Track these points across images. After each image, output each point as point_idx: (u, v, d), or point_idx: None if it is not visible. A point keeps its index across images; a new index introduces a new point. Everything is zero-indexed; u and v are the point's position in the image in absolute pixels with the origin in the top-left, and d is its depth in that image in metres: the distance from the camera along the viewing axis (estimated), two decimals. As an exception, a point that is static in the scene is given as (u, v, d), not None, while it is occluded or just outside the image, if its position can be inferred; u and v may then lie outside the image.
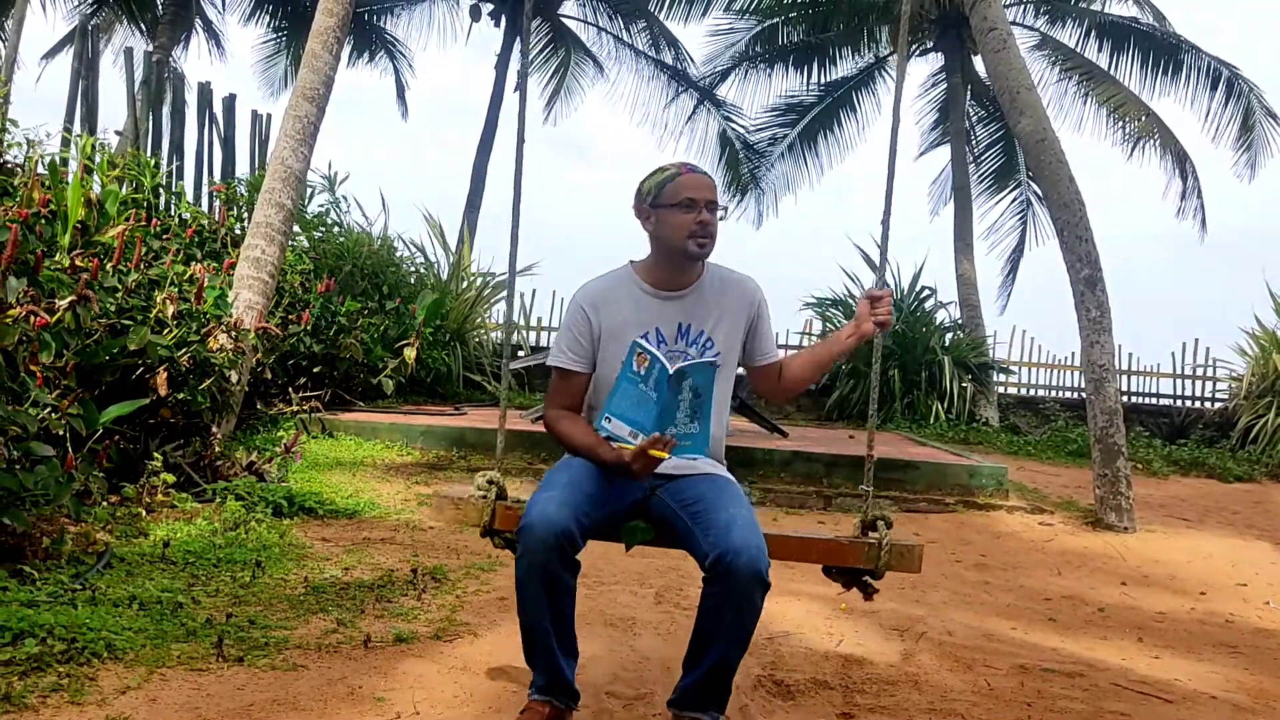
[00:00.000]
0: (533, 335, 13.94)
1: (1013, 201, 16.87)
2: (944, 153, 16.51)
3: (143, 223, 6.49)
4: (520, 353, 12.45)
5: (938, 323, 13.01)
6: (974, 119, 16.75)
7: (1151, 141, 14.52)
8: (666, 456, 2.39)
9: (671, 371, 2.45)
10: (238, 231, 8.14)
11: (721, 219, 2.65)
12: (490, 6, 17.14)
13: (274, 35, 16.96)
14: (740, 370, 2.78)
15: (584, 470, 2.51)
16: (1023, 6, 15.78)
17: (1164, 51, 14.57)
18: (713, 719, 2.46)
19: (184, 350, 5.15)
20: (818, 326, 13.83)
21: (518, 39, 17.01)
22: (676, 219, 2.58)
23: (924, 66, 16.80)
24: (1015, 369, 14.81)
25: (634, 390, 2.47)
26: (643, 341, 2.50)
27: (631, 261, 2.75)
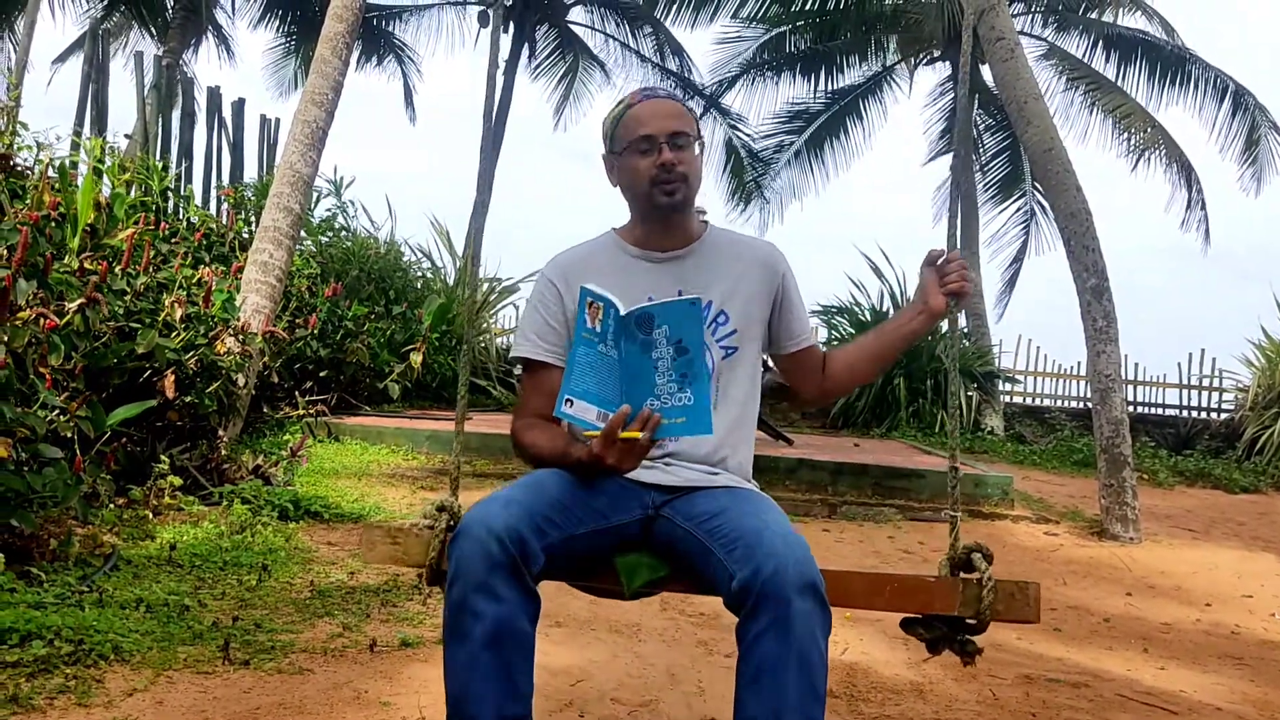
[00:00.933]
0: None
1: (1017, 210, 16.88)
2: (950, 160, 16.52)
3: (151, 226, 6.51)
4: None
5: (943, 331, 12.98)
6: (981, 127, 16.77)
7: (1157, 153, 14.52)
8: (639, 438, 1.76)
9: (623, 312, 1.77)
10: (246, 235, 8.18)
11: (696, 149, 2.08)
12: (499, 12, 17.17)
13: (284, 40, 17.03)
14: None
15: (554, 476, 1.89)
16: (1031, 16, 15.80)
17: (1171, 63, 14.60)
18: None
19: (191, 353, 5.16)
20: (823, 335, 13.84)
21: (525, 44, 17.06)
22: (635, 165, 2.04)
23: (932, 75, 16.84)
24: (1021, 378, 14.81)
25: (593, 355, 1.79)
26: (592, 286, 1.83)
27: (614, 228, 2.21)
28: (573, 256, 2.15)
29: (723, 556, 1.71)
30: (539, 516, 1.73)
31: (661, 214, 2.07)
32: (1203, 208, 14.75)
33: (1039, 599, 1.91)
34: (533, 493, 1.79)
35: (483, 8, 17.16)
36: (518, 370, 10.09)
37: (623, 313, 1.76)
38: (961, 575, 1.94)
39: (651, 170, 2.02)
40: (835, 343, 12.98)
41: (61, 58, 16.69)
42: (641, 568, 1.88)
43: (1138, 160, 14.68)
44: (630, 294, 1.95)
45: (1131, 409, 14.09)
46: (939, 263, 2.11)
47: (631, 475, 1.90)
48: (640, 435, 1.76)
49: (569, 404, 1.82)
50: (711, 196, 17.71)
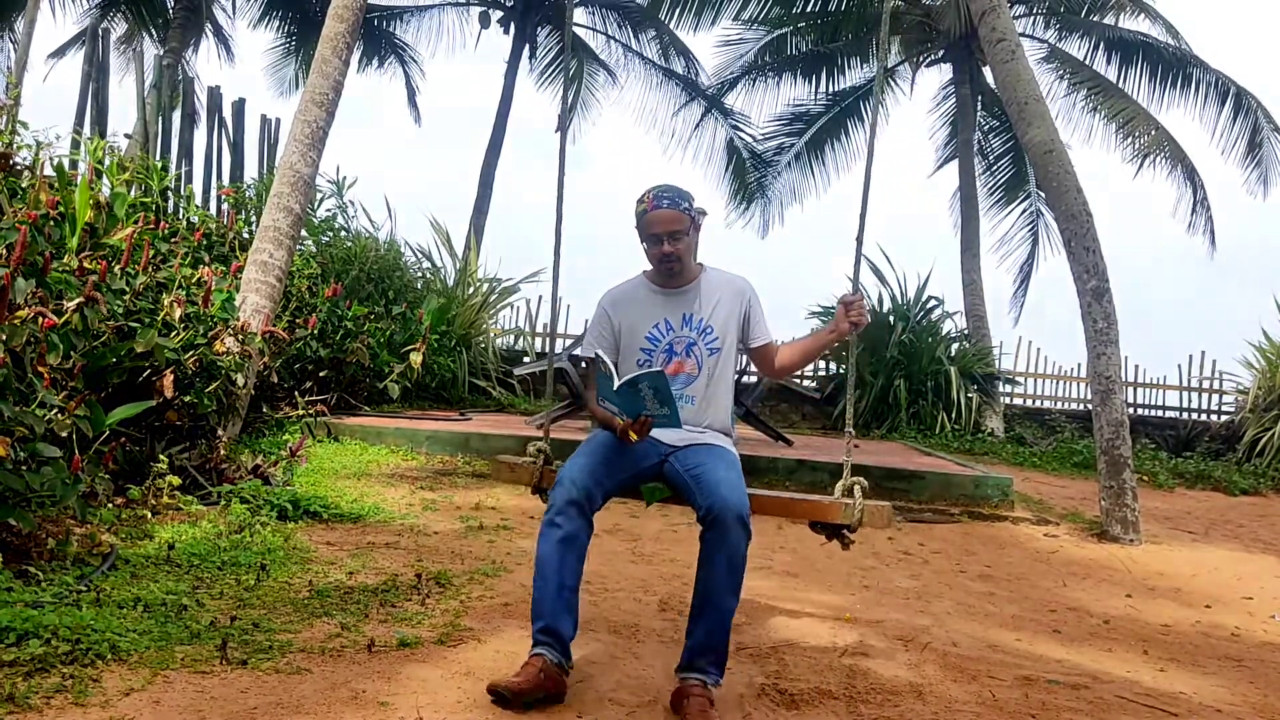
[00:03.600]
0: (539, 342, 13.85)
1: (1023, 213, 16.87)
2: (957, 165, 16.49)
3: (151, 226, 6.50)
4: (525, 359, 12.43)
5: (944, 333, 12.98)
6: (985, 129, 16.76)
7: (1160, 156, 14.52)
8: (634, 439, 2.98)
9: (617, 385, 2.92)
10: (246, 235, 8.17)
11: (696, 222, 3.25)
12: (500, 14, 17.20)
13: (284, 40, 17.04)
14: (746, 380, 3.17)
15: (607, 440, 3.11)
16: (1033, 19, 15.80)
17: (1172, 66, 14.59)
18: (713, 680, 2.81)
19: (191, 353, 5.16)
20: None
21: (526, 45, 17.06)
22: (649, 249, 3.25)
23: (934, 77, 16.83)
24: (1021, 380, 14.79)
25: (614, 395, 2.95)
26: (616, 381, 2.93)
27: (644, 271, 3.38)
28: (618, 293, 3.38)
29: (697, 493, 2.92)
30: (601, 473, 2.98)
31: (665, 278, 3.31)
32: (1207, 211, 14.76)
33: (890, 516, 3.34)
34: (597, 456, 3.04)
35: (483, 9, 17.17)
36: (521, 370, 10.25)
37: (616, 383, 2.92)
38: (844, 499, 3.19)
39: (657, 255, 3.23)
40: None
41: (58, 53, 16.68)
42: (656, 491, 3.20)
43: (1141, 163, 14.68)
44: (653, 316, 3.30)
45: (1132, 411, 14.09)
46: (847, 303, 3.24)
47: (651, 435, 3.05)
48: (634, 437, 3.00)
49: (603, 403, 3.05)
50: (713, 197, 17.68)
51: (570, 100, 17.48)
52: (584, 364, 3.19)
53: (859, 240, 3.40)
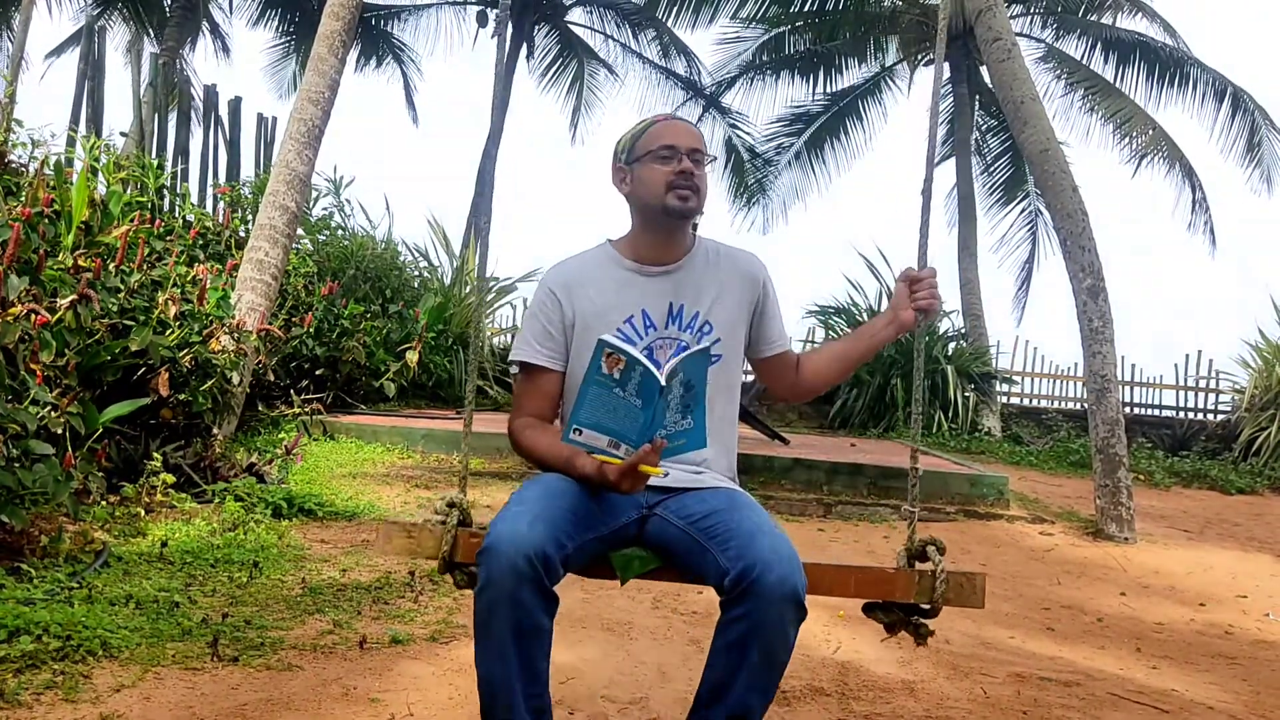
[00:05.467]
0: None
1: (1022, 212, 16.89)
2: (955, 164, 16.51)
3: (146, 224, 6.50)
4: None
5: (941, 332, 13.00)
6: (983, 129, 16.77)
7: (1158, 155, 14.53)
8: (661, 473, 1.95)
9: (663, 381, 1.88)
10: (242, 234, 8.17)
11: (709, 168, 2.27)
12: (495, 13, 17.19)
13: (282, 39, 17.04)
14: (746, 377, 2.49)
15: (561, 485, 2.03)
16: (1030, 18, 15.81)
17: (1169, 65, 14.61)
18: None
19: (186, 351, 5.15)
20: (820, 335, 13.83)
21: (524, 44, 17.05)
22: (653, 171, 2.19)
23: (932, 76, 16.82)
24: (1018, 379, 14.81)
25: (608, 396, 1.90)
26: (613, 339, 1.91)
27: (610, 240, 2.34)
28: (571, 268, 2.29)
29: (717, 553, 1.90)
30: (559, 531, 1.88)
31: (669, 222, 2.21)
32: (1206, 210, 14.77)
33: (984, 589, 2.09)
34: (552, 507, 1.93)
35: (481, 8, 17.17)
36: (514, 370, 10.03)
37: (661, 380, 1.86)
38: (917, 566, 2.10)
39: (670, 176, 2.17)
40: (833, 340, 12.96)
41: (56, 51, 16.68)
42: (634, 562, 2.09)
43: (1139, 163, 14.69)
44: (625, 306, 2.21)
45: (1128, 410, 14.09)
46: (911, 281, 2.24)
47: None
48: (661, 471, 1.92)
49: (578, 433, 1.92)
50: (713, 196, 17.69)
51: (576, 103, 17.50)
52: (517, 373, 2.33)
53: (926, 193, 2.30)
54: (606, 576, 2.11)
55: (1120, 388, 7.74)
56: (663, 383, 1.87)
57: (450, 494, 2.11)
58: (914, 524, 2.19)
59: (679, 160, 2.17)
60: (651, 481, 2.04)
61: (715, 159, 2.23)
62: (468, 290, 11.35)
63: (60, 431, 3.87)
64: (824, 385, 2.44)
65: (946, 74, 16.42)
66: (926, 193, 2.33)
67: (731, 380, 2.28)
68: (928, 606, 2.06)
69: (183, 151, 10.00)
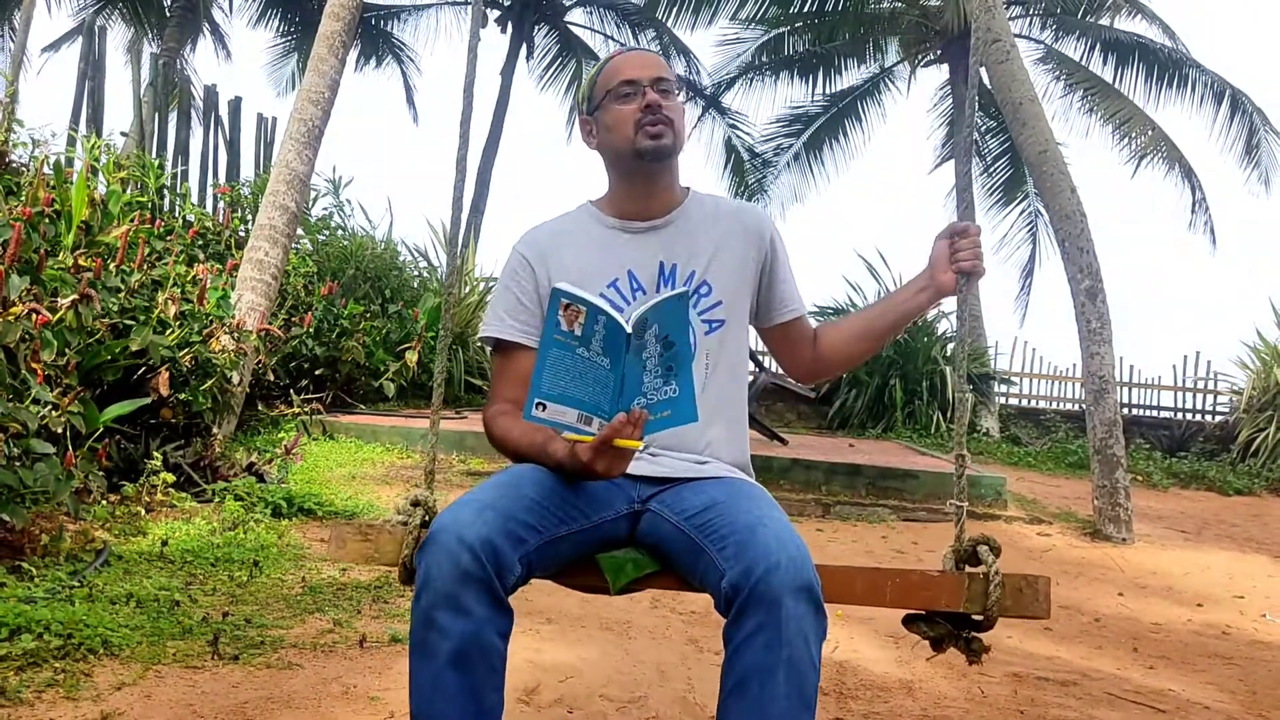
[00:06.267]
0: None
1: (1022, 213, 16.89)
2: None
3: (146, 223, 6.51)
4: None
5: (940, 332, 13.01)
6: (983, 129, 16.78)
7: (1158, 156, 14.54)
8: (639, 446, 1.63)
9: (629, 329, 1.59)
10: (241, 234, 8.19)
11: (680, 100, 1.98)
12: (497, 13, 17.21)
13: (283, 38, 17.05)
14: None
15: (532, 472, 1.74)
16: (1029, 20, 15.83)
17: (1168, 66, 14.63)
18: None
19: (186, 351, 5.17)
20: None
21: (524, 45, 17.06)
22: (617, 114, 1.92)
23: (931, 76, 16.88)
24: (1016, 380, 14.83)
25: (569, 358, 1.62)
26: (568, 286, 1.62)
27: (590, 200, 2.07)
28: (547, 231, 2.01)
29: (713, 554, 1.59)
30: (516, 522, 1.58)
31: (646, 165, 1.91)
32: (1206, 210, 14.78)
33: (1049, 593, 1.77)
34: (509, 495, 1.63)
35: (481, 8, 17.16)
36: (489, 351, 9.99)
37: (627, 328, 1.59)
38: (967, 569, 1.81)
39: (635, 114, 1.89)
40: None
41: (53, 46, 16.67)
42: (627, 565, 1.76)
43: (1139, 164, 14.70)
44: (609, 268, 1.93)
45: (1126, 411, 14.11)
46: (953, 236, 1.94)
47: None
48: (639, 444, 1.61)
49: (540, 407, 1.63)
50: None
51: (574, 103, 17.50)
52: (488, 349, 2.11)
53: (965, 143, 1.97)
54: (594, 583, 1.78)
55: (1118, 389, 7.75)
56: (628, 330, 1.58)
57: (416, 491, 1.79)
58: (962, 522, 1.85)
59: (642, 94, 1.89)
60: (645, 472, 1.84)
61: (683, 85, 1.79)
62: (468, 290, 11.37)
63: (61, 431, 3.88)
64: (846, 363, 2.09)
65: (946, 75, 16.46)
66: (966, 142, 2.07)
67: (737, 352, 1.99)
68: (980, 617, 1.74)
69: (183, 151, 10.01)
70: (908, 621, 1.84)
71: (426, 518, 1.72)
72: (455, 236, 2.04)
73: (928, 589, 1.76)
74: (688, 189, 2.04)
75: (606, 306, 1.60)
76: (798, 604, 1.47)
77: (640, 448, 1.65)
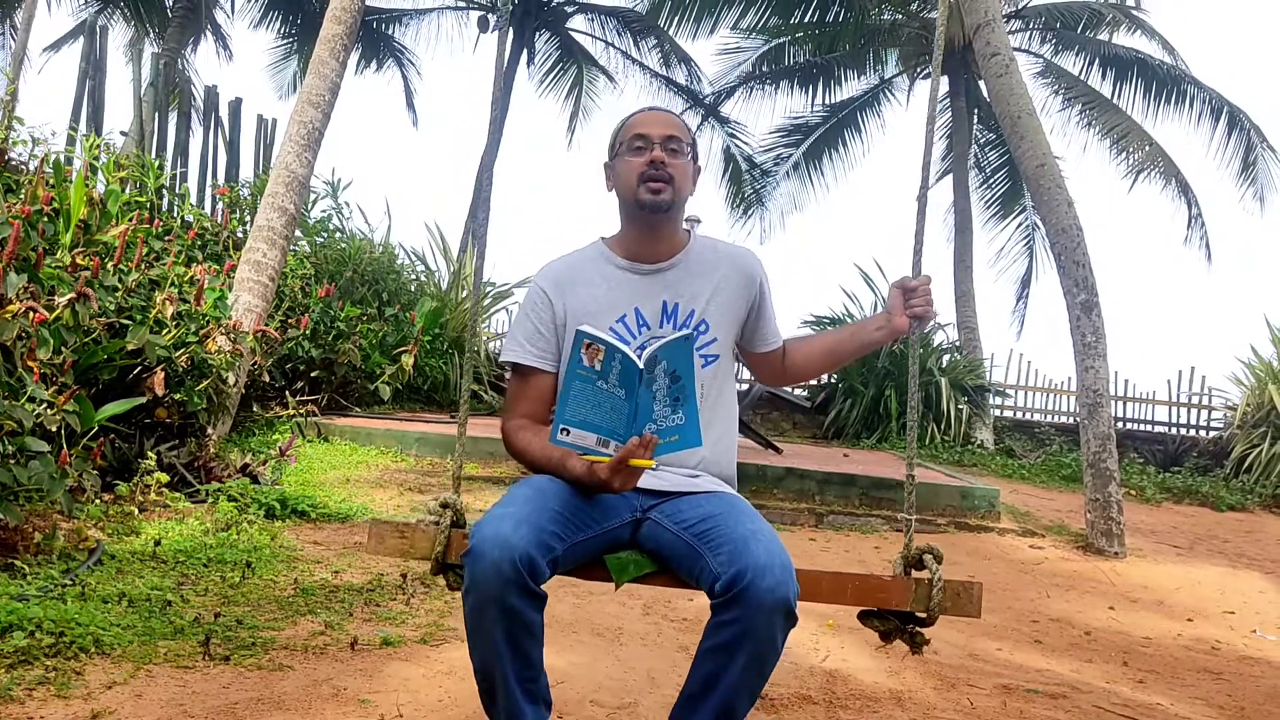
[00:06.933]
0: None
1: (1019, 227, 16.94)
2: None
3: (145, 223, 6.52)
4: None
5: (935, 344, 13.04)
6: (982, 143, 16.84)
7: (1155, 171, 14.58)
8: (653, 465, 1.93)
9: (641, 365, 1.89)
10: (240, 235, 8.19)
11: (689, 159, 2.22)
12: (498, 18, 17.24)
13: (284, 41, 17.07)
14: (742, 385, 2.54)
15: (553, 485, 2.02)
16: (1029, 34, 15.89)
17: (1166, 82, 14.68)
18: None
19: (182, 351, 5.17)
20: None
21: (524, 50, 17.10)
22: (627, 165, 2.17)
23: (930, 88, 16.88)
24: (1011, 392, 14.85)
25: (590, 390, 1.91)
26: (590, 329, 1.93)
27: (603, 237, 2.32)
28: (563, 267, 2.26)
29: (709, 558, 1.89)
30: (546, 533, 1.86)
31: (646, 214, 2.16)
32: (1202, 225, 14.82)
33: (980, 598, 2.09)
34: (538, 509, 1.90)
35: (482, 13, 17.21)
36: (507, 372, 10.02)
37: (639, 364, 1.88)
38: (914, 574, 2.11)
39: (642, 167, 2.14)
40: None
41: (54, 46, 16.67)
42: (629, 565, 2.06)
43: (1135, 178, 14.74)
44: (618, 305, 2.19)
45: (1121, 425, 14.14)
46: (906, 290, 2.24)
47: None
48: (652, 464, 1.91)
49: (565, 433, 1.94)
50: (711, 204, 17.79)
51: (574, 109, 17.54)
52: (507, 373, 2.30)
53: (921, 200, 2.31)
54: (600, 579, 2.08)
55: (1112, 403, 7.77)
56: (640, 366, 1.87)
57: (444, 495, 2.07)
58: (911, 532, 2.19)
59: (651, 150, 2.15)
60: (646, 484, 2.07)
61: (696, 157, 2.24)
62: (464, 295, 11.38)
63: (56, 429, 3.88)
64: (809, 376, 2.48)
65: (945, 87, 16.51)
66: (922, 200, 2.33)
67: (726, 380, 2.26)
68: (924, 615, 2.05)
69: (182, 152, 10.02)
70: (862, 616, 2.16)
71: (455, 518, 2.03)
72: (479, 271, 2.35)
73: (882, 591, 2.08)
74: (689, 231, 2.31)
75: (622, 346, 1.89)
76: (775, 611, 1.79)
77: (652, 467, 1.94)
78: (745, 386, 9.10)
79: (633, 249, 2.24)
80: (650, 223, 2.19)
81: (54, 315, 4.13)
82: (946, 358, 13.03)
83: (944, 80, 16.39)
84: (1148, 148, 14.45)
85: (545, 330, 2.21)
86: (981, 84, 14.84)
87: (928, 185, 2.36)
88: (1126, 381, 14.77)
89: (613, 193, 2.27)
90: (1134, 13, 15.65)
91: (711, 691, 1.87)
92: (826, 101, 16.94)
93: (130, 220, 6.13)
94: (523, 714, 1.93)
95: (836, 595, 2.06)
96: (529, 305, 2.24)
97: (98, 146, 7.49)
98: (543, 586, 1.85)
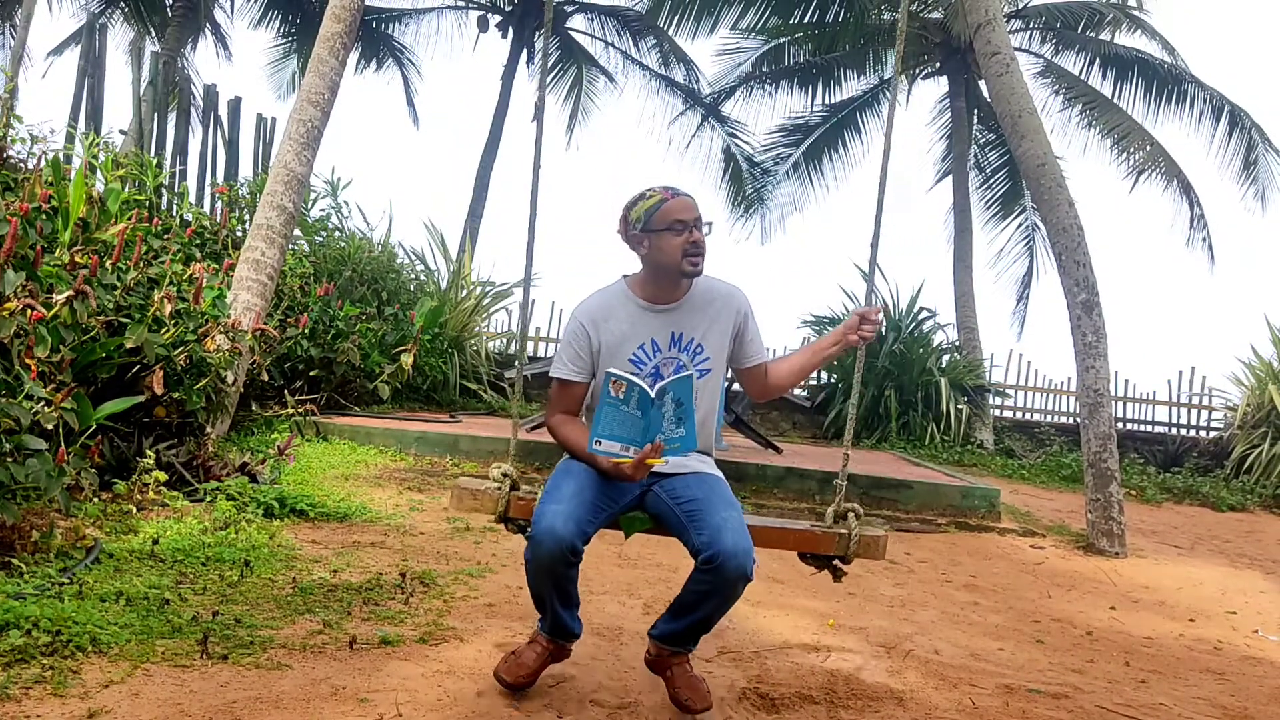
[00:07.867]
0: (531, 345, 13.95)
1: (1019, 227, 16.90)
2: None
3: (144, 222, 6.50)
4: (517, 363, 12.43)
5: (935, 344, 13.02)
6: (982, 143, 16.80)
7: (1156, 171, 14.55)
8: (663, 462, 2.66)
9: (653, 395, 2.59)
10: (239, 233, 8.17)
11: (708, 234, 2.84)
12: (498, 18, 17.23)
13: (283, 40, 17.04)
14: (736, 387, 3.05)
15: (586, 477, 2.75)
16: (1029, 33, 15.87)
17: (1167, 82, 14.65)
18: (687, 651, 2.85)
19: (180, 349, 5.15)
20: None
21: (524, 50, 17.08)
22: (670, 242, 2.79)
23: (930, 90, 16.90)
24: (1011, 392, 14.83)
25: (617, 413, 2.62)
26: (616, 371, 2.65)
27: (625, 276, 2.96)
28: (596, 305, 2.92)
29: (692, 534, 2.64)
30: (584, 523, 2.61)
31: (685, 279, 2.86)
32: (1204, 226, 14.78)
33: (885, 547, 2.94)
34: (579, 504, 2.64)
35: (481, 13, 17.20)
36: (512, 373, 10.15)
37: (651, 394, 2.58)
38: (838, 528, 2.89)
39: (685, 245, 2.78)
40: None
41: (58, 50, 16.66)
42: (636, 522, 2.88)
43: (1136, 179, 14.70)
44: (638, 336, 2.87)
45: (1121, 426, 14.12)
46: (863, 316, 2.91)
47: None
48: (663, 462, 2.66)
49: (599, 443, 2.64)
50: (712, 204, 17.75)
51: (574, 109, 17.52)
52: (553, 382, 2.95)
53: (874, 245, 3.03)
54: (617, 530, 2.87)
55: (1113, 403, 7.76)
56: (651, 395, 2.58)
57: (504, 465, 2.85)
58: (841, 493, 2.97)
59: (690, 232, 2.77)
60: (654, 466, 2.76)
61: (712, 224, 2.88)
62: (464, 294, 11.36)
63: (54, 427, 3.86)
64: (786, 390, 3.13)
65: (945, 88, 16.49)
66: (874, 244, 3.06)
67: (715, 386, 2.96)
68: (842, 555, 2.85)
69: (182, 150, 9.99)
70: (800, 557, 2.96)
71: (513, 483, 2.83)
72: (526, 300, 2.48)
73: (815, 540, 2.89)
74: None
75: (640, 381, 2.60)
76: (739, 580, 2.56)
77: (662, 464, 2.68)
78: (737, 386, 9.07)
79: (651, 292, 2.88)
80: (679, 282, 2.87)
81: (52, 313, 4.12)
82: (946, 358, 13.01)
83: (944, 80, 16.39)
84: (1149, 148, 14.41)
85: (584, 354, 2.89)
86: (982, 84, 14.84)
87: (879, 238, 3.11)
88: (1127, 381, 14.76)
89: (639, 253, 2.85)
90: (1134, 12, 15.62)
91: (692, 610, 2.70)
92: (826, 101, 16.90)
93: (129, 218, 6.11)
94: (562, 618, 2.80)
95: (781, 543, 2.92)
96: (570, 336, 2.90)
97: (97, 145, 7.48)
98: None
